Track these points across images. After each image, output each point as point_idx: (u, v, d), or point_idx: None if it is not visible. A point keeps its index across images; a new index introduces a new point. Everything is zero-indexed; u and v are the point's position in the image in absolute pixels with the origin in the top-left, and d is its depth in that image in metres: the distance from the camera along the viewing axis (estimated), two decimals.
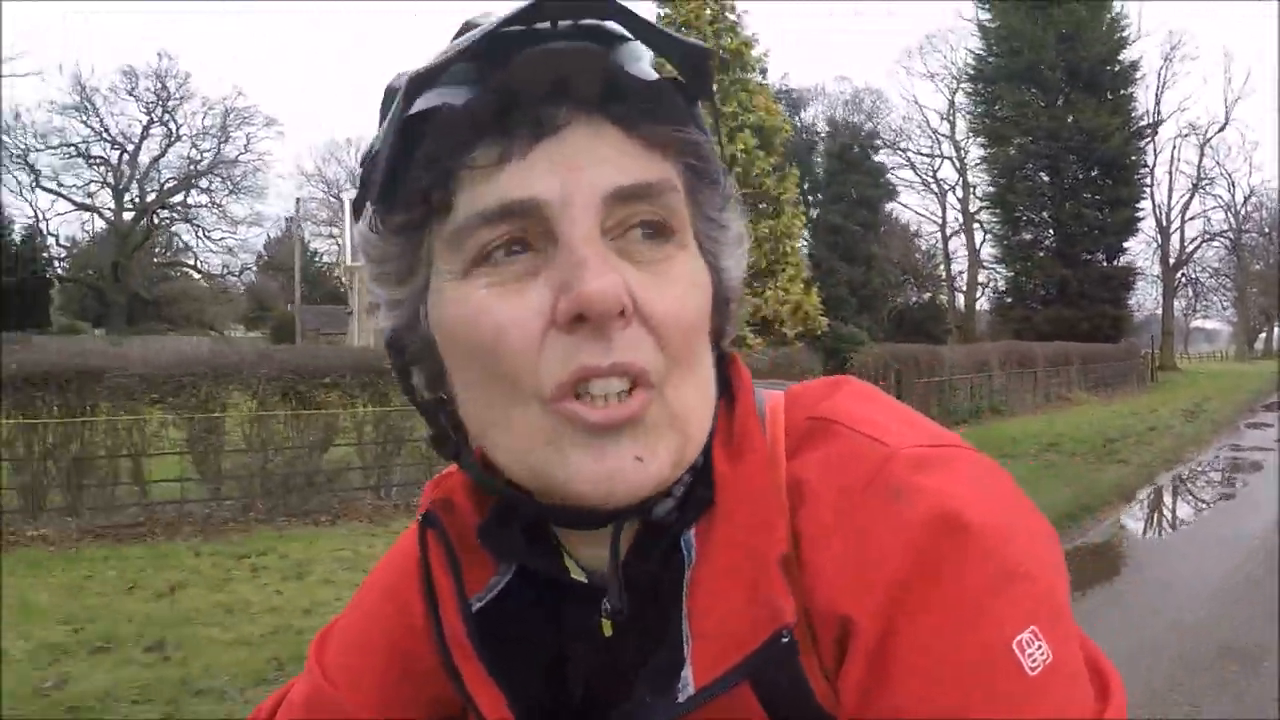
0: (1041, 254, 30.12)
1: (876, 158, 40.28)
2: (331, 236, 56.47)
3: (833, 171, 37.42)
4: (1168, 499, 9.23)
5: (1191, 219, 44.78)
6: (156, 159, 45.55)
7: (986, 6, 31.32)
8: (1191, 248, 45.66)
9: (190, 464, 8.06)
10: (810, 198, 34.58)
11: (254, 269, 52.77)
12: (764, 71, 17.28)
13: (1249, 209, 51.01)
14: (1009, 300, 31.55)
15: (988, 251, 35.39)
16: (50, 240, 44.60)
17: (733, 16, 16.28)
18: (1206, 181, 44.03)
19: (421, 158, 0.55)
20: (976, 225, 39.27)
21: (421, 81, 0.55)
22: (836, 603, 0.54)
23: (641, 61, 0.57)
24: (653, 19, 0.55)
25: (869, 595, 0.53)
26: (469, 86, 0.55)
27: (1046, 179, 30.48)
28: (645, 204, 0.56)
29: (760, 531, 0.57)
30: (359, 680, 0.74)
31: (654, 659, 0.59)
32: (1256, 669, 4.53)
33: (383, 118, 0.58)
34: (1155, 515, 8.67)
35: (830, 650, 0.55)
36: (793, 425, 0.62)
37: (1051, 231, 30.37)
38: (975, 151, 33.83)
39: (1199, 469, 11.07)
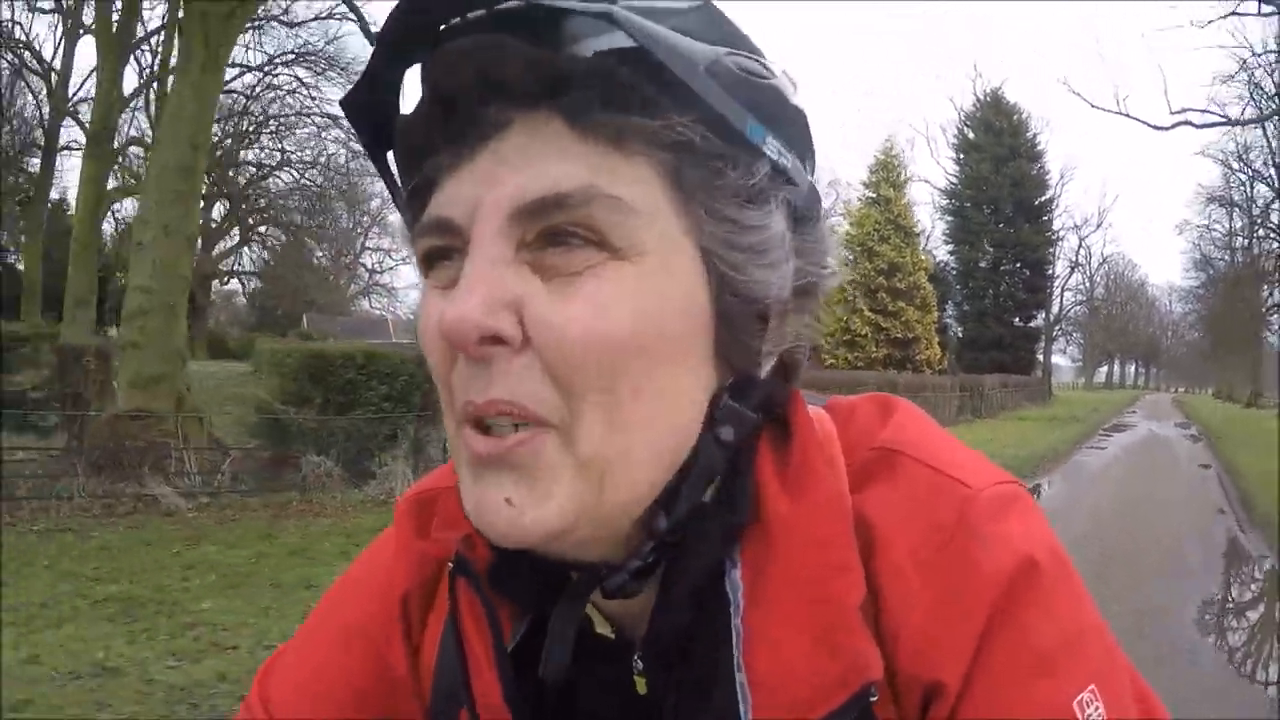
0: (986, 318, 51.50)
1: None
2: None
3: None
4: (1098, 438, 29.13)
5: (1068, 290, 69.82)
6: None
7: (961, 157, 52.94)
8: (1068, 311, 70.99)
9: None
10: None
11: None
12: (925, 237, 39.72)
13: (1103, 274, 77.78)
14: (963, 347, 53.92)
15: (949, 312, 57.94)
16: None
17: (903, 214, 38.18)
18: (1082, 266, 69.68)
19: (400, 164, 0.59)
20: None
21: (356, 91, 0.58)
22: (926, 668, 0.55)
23: (600, 37, 0.52)
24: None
25: (957, 657, 0.55)
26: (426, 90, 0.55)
27: (990, 268, 52.51)
28: (561, 214, 0.52)
29: (833, 574, 0.56)
30: None
31: (702, 717, 0.58)
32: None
33: None
34: (1093, 444, 28.85)
35: (915, 713, 0.57)
36: (853, 453, 0.63)
37: (993, 304, 52.00)
38: (942, 245, 55.52)
39: (1107, 429, 31.47)
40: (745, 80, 0.56)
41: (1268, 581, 8.67)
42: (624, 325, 0.53)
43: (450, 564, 0.64)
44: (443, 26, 0.54)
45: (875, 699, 0.55)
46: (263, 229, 48.30)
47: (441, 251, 0.56)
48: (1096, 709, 0.54)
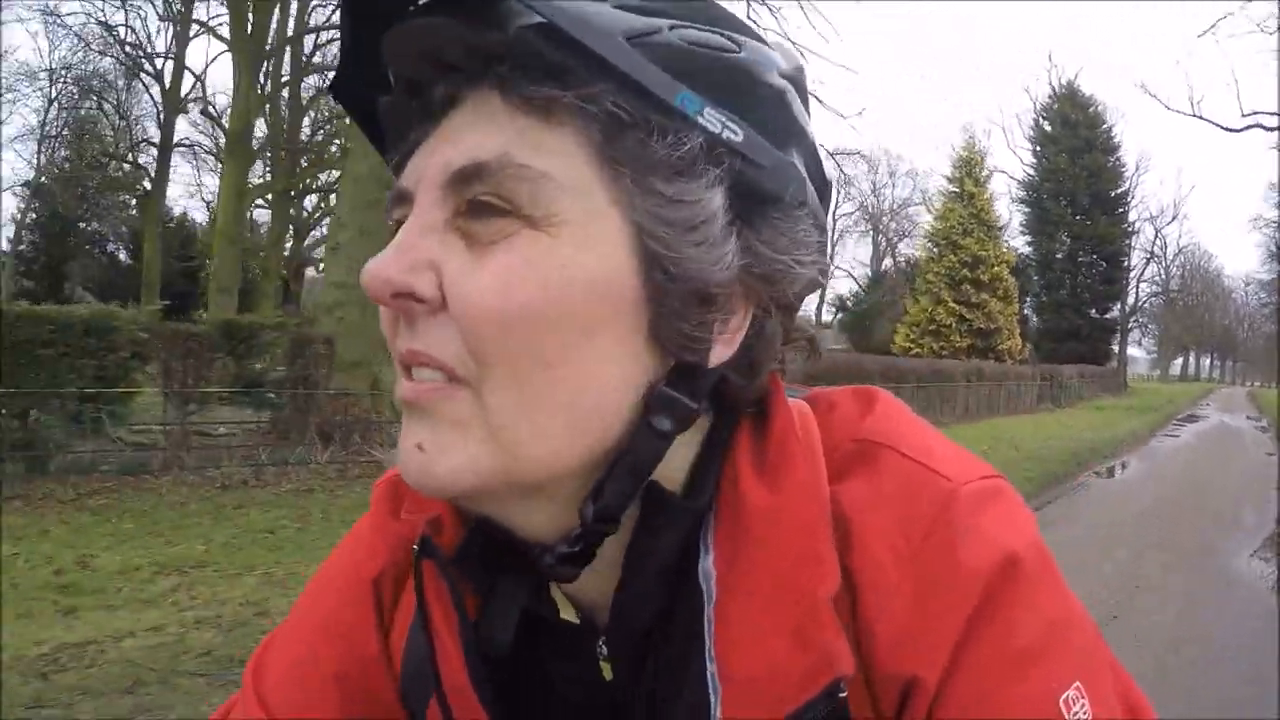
0: (1064, 309, 52.43)
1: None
2: None
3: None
4: (1172, 427, 30.65)
5: (1143, 282, 70.32)
6: None
7: (1037, 149, 53.99)
8: (1144, 302, 71.48)
9: None
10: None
11: None
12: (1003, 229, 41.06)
13: (1178, 264, 77.83)
14: (1040, 337, 54.92)
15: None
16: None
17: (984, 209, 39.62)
18: (1158, 257, 70.09)
19: (388, 141, 0.62)
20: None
21: (338, 76, 0.62)
22: (903, 663, 0.55)
23: (527, 13, 0.52)
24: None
25: (937, 653, 0.54)
26: None
27: (1067, 260, 53.42)
28: (481, 185, 0.53)
29: (806, 566, 0.56)
30: (305, 716, 0.71)
31: (673, 707, 0.59)
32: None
33: None
34: (1167, 431, 30.15)
35: (892, 709, 0.56)
36: (834, 445, 0.62)
37: (1070, 295, 52.96)
38: (1019, 235, 56.35)
39: (1180, 419, 32.93)
40: (690, 51, 0.55)
41: None
42: (531, 297, 0.53)
43: (415, 546, 0.64)
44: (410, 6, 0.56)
45: (845, 694, 0.55)
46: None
47: (405, 219, 0.58)
48: (1082, 706, 0.54)
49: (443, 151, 0.56)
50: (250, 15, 25.40)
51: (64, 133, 37.12)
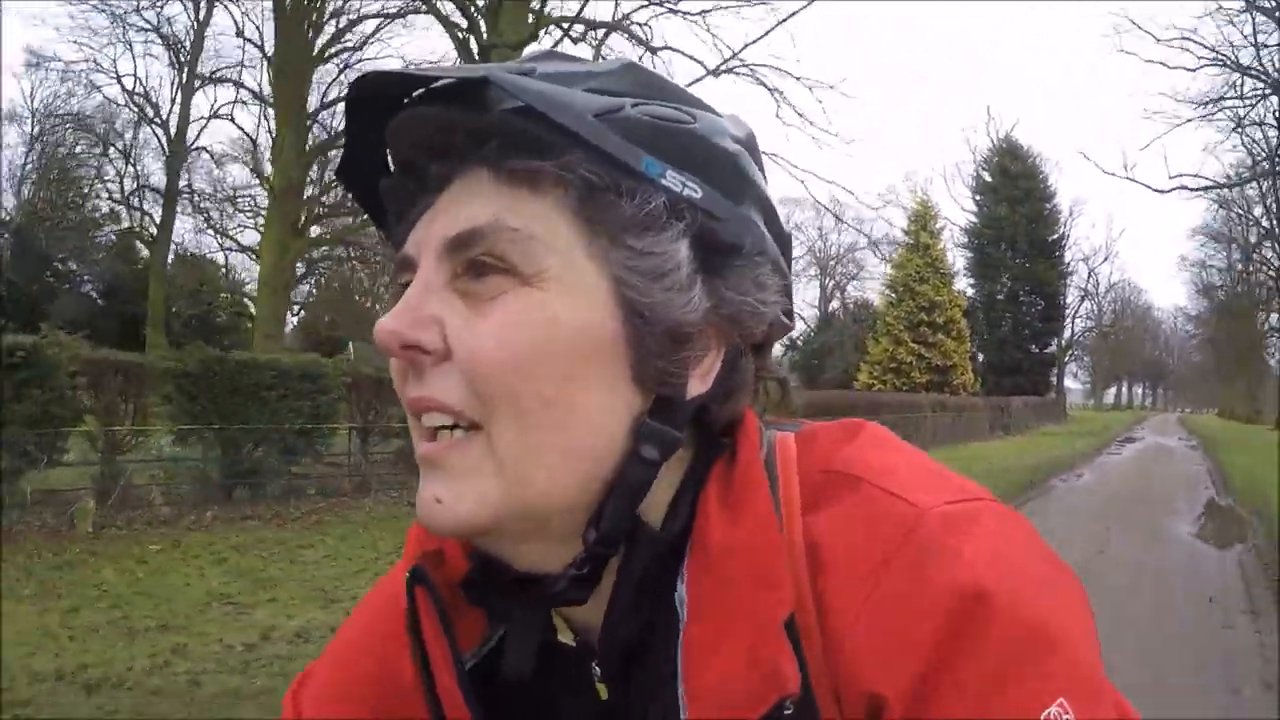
0: (1006, 345, 56.38)
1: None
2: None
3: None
4: (1114, 447, 34.88)
5: (1078, 318, 75.14)
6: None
7: (978, 198, 58.40)
8: (1079, 336, 76.52)
9: None
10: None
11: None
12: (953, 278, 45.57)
13: (1110, 299, 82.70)
14: (985, 371, 58.90)
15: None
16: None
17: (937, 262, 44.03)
18: (1091, 294, 75.17)
19: (391, 216, 0.69)
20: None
21: (344, 162, 0.69)
22: (867, 680, 0.56)
23: (509, 100, 0.60)
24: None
25: (900, 673, 0.55)
26: None
27: (1008, 300, 57.59)
28: (476, 247, 0.60)
29: (762, 591, 0.59)
30: None
31: None
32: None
33: None
34: (1110, 450, 34.00)
35: None
36: (807, 477, 0.65)
37: (1011, 332, 57.04)
38: (963, 277, 59.98)
39: (1120, 440, 37.23)
40: (651, 124, 0.63)
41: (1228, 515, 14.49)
42: (524, 345, 0.59)
43: (408, 573, 0.69)
44: (405, 99, 0.64)
45: (790, 711, 0.56)
46: (325, 264, 46.50)
47: (410, 283, 0.64)
48: None
49: (441, 223, 0.62)
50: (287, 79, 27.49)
51: (44, 175, 38.11)
